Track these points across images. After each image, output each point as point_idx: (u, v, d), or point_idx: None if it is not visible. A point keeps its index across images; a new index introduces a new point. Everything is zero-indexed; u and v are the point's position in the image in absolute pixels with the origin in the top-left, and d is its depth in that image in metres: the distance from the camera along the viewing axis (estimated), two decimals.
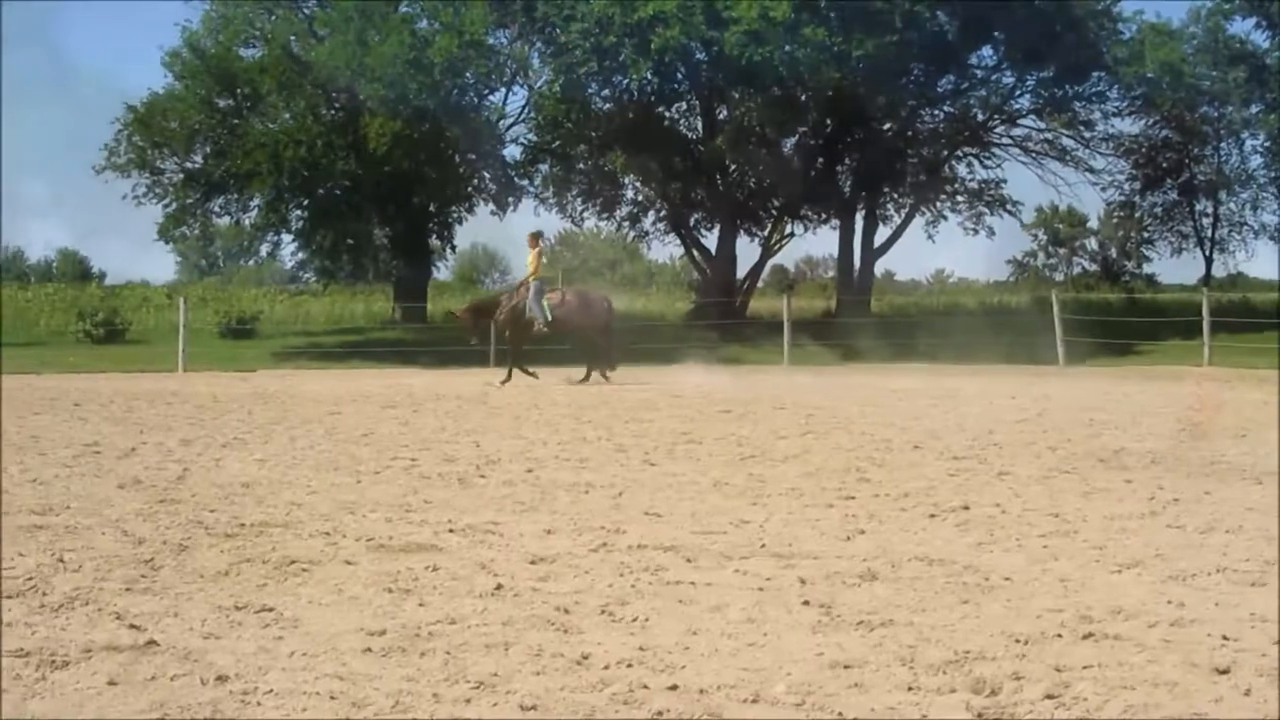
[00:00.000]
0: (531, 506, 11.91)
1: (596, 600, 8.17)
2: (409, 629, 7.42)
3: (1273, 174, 55.05)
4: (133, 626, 7.42)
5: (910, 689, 6.44)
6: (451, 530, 10.54)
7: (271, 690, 6.27)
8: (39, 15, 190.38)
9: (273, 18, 49.72)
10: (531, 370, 30.83)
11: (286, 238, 53.72)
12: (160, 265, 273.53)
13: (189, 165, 48.96)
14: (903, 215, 55.35)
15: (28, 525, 10.65)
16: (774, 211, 54.85)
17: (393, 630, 7.38)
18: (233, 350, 44.58)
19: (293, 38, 48.36)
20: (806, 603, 8.13)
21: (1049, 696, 6.31)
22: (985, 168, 55.28)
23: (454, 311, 35.65)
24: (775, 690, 6.37)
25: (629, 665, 6.76)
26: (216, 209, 51.34)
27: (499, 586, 8.49)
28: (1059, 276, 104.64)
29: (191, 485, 13.17)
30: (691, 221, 55.00)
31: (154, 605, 7.96)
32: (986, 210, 55.53)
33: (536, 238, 32.25)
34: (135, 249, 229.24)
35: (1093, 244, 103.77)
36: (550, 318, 30.80)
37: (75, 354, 42.75)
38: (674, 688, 6.38)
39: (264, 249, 55.84)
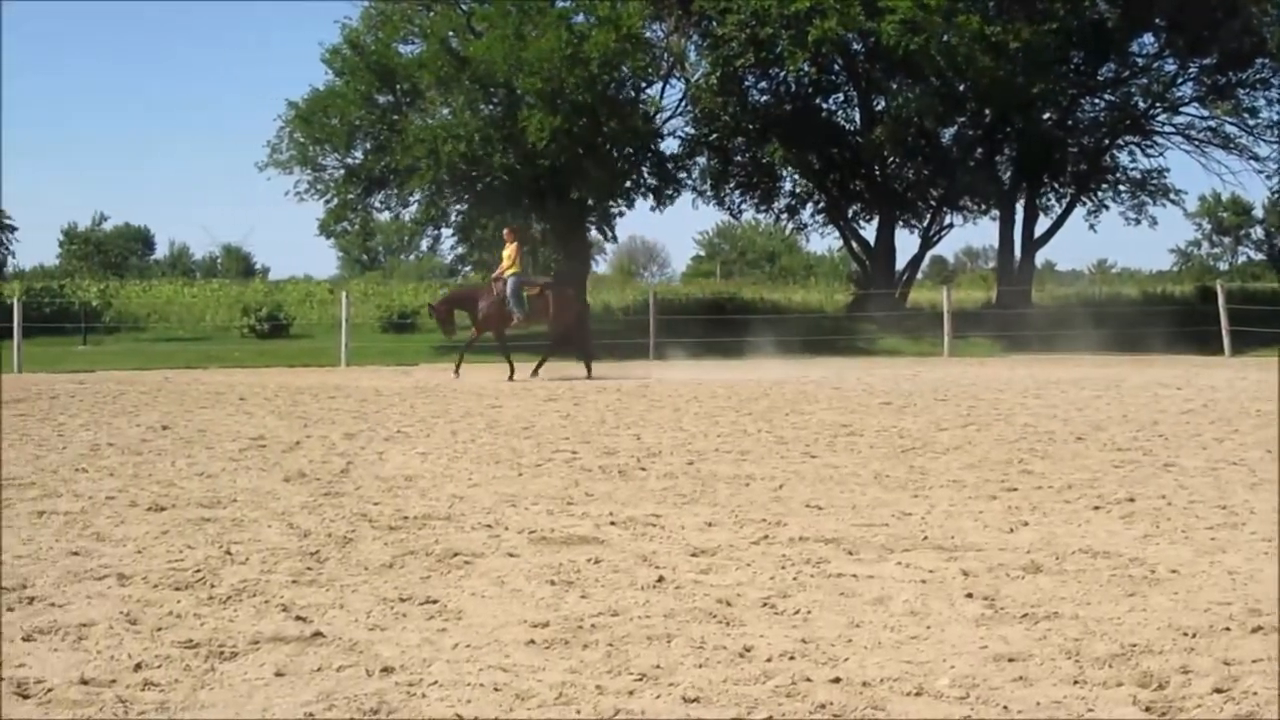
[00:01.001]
0: (692, 499, 11.91)
1: (758, 593, 8.15)
2: (571, 621, 7.44)
3: None
4: (299, 618, 7.50)
5: (1076, 682, 6.37)
6: (613, 523, 10.57)
7: (436, 682, 6.31)
8: (208, 13, 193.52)
9: (431, 13, 49.97)
10: (513, 367, 30.50)
11: (446, 232, 54.17)
12: (322, 260, 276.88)
13: (349, 161, 49.40)
14: (1063, 205, 54.56)
15: (195, 518, 10.82)
16: (933, 202, 54.36)
17: (555, 622, 7.41)
18: (394, 344, 45.00)
19: (451, 33, 48.57)
20: (970, 595, 8.06)
21: (1217, 690, 6.21)
22: (1147, 156, 54.35)
23: (431, 304, 34.99)
24: (939, 684, 6.32)
25: (791, 658, 6.74)
26: (377, 204, 51.76)
27: (661, 579, 8.49)
28: (1223, 265, 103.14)
29: (355, 478, 13.31)
30: (850, 213, 54.59)
31: (320, 597, 8.05)
32: (1149, 199, 54.51)
33: (515, 232, 32.20)
34: (298, 245, 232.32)
35: (1258, 232, 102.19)
36: (527, 311, 30.73)
37: (240, 349, 43.35)
38: (837, 680, 6.35)
39: (424, 243, 56.39)
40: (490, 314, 30.64)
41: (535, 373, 30.58)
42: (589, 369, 30.84)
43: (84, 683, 6.29)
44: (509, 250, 31.28)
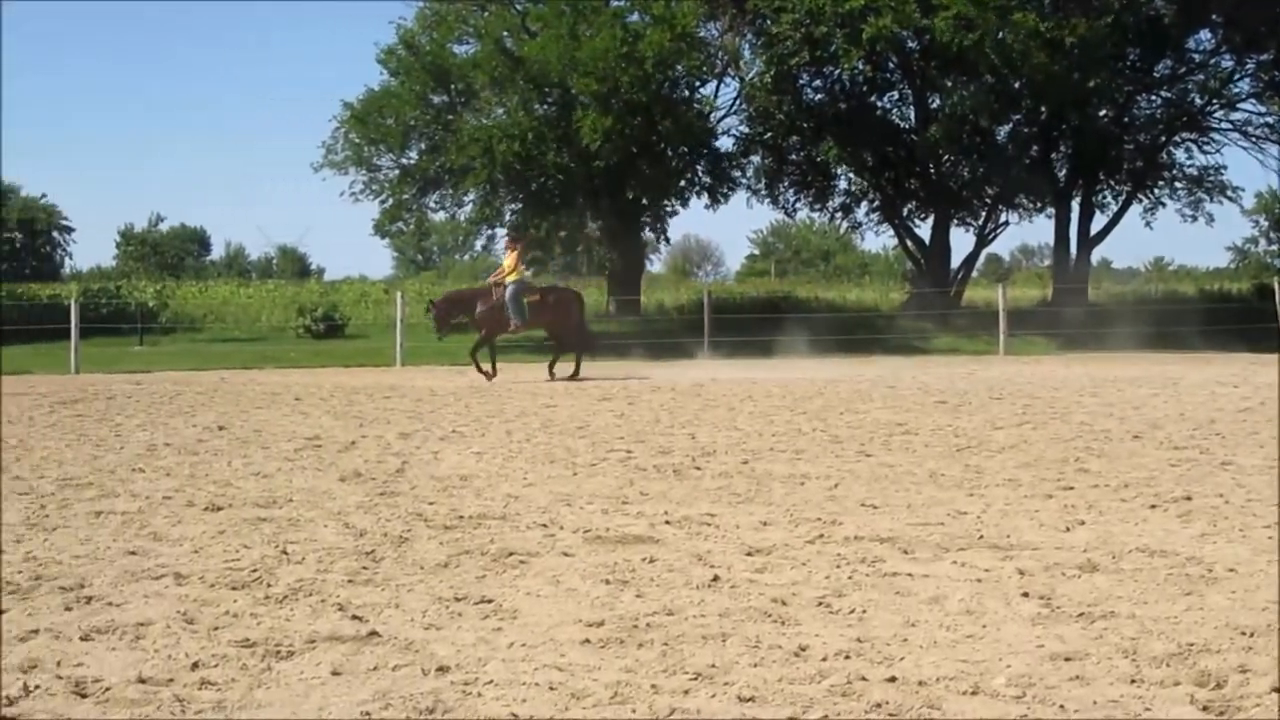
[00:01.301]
0: (747, 498, 11.89)
1: (813, 592, 8.14)
2: (627, 620, 7.44)
3: None
4: (355, 617, 7.53)
5: (1133, 682, 6.34)
6: (668, 522, 10.56)
7: (491, 681, 6.32)
8: (264, 13, 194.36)
9: (486, 14, 50.07)
10: (487, 370, 29.98)
11: (500, 231, 54.23)
12: (378, 261, 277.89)
13: (404, 161, 49.57)
14: (1119, 202, 54.19)
15: (252, 518, 10.87)
16: (988, 200, 54.11)
17: (611, 621, 7.41)
18: (449, 344, 45.00)
19: (505, 33, 48.66)
20: (1026, 594, 8.03)
21: (1276, 690, 6.17)
22: (1204, 153, 53.94)
23: (431, 301, 34.11)
24: (995, 683, 6.30)
25: (847, 657, 6.72)
26: (431, 204, 51.93)
27: (716, 578, 8.49)
28: None
29: (411, 478, 13.35)
30: (905, 211, 54.38)
31: (376, 597, 8.07)
32: (1205, 196, 54.11)
33: (516, 239, 32.08)
34: (353, 245, 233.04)
35: None
36: (526, 319, 30.18)
37: (295, 349, 43.52)
38: (892, 679, 6.34)
39: (478, 243, 56.50)
40: (487, 317, 30.17)
41: (552, 373, 30.43)
42: (578, 367, 30.57)
43: (141, 682, 6.33)
44: (510, 256, 30.79)
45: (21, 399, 24.76)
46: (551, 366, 30.60)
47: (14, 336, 45.17)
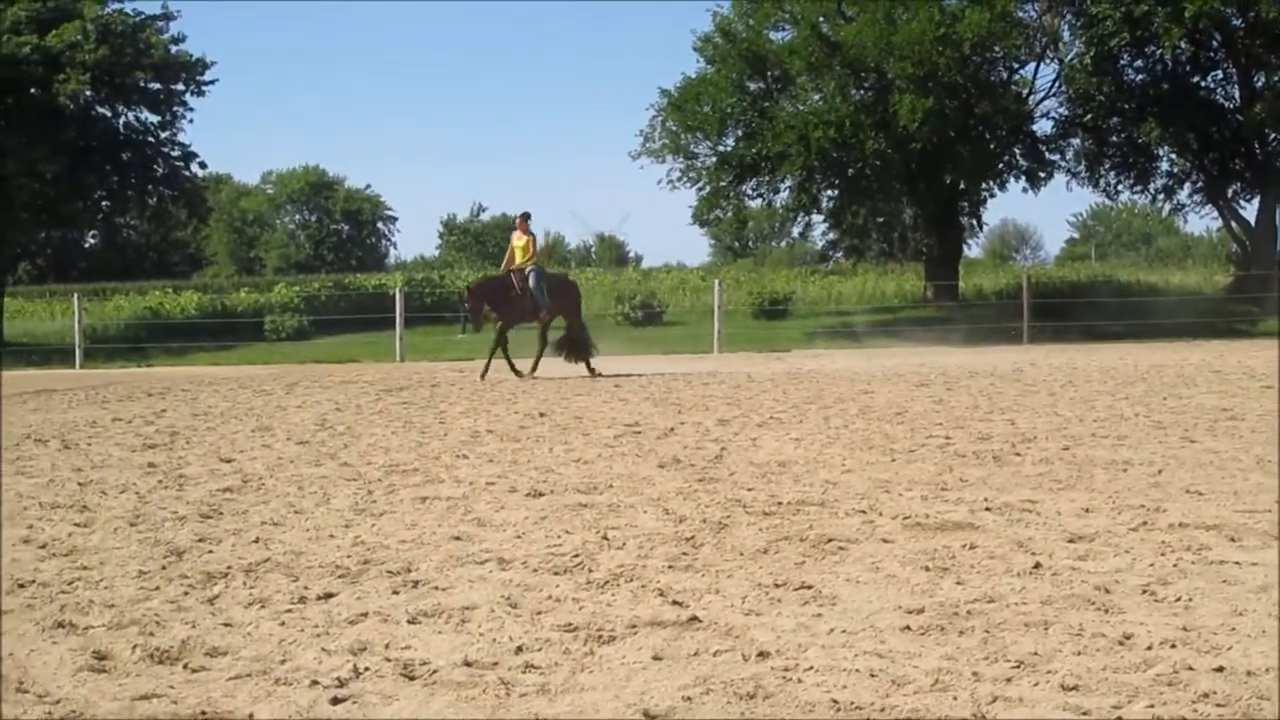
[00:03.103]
0: (1069, 484, 11.68)
1: (1137, 579, 7.96)
2: (947, 607, 7.36)
3: None
4: (675, 603, 7.56)
5: None
6: (988, 508, 10.42)
7: (812, 667, 6.29)
8: (577, 3, 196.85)
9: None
10: (518, 365, 27.86)
11: (817, 218, 54.24)
12: (695, 248, 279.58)
13: (721, 148, 49.82)
14: None
15: (573, 504, 10.99)
16: None
17: (931, 608, 7.33)
18: (766, 330, 45.21)
19: (821, 19, 48.62)
20: None
21: None
22: None
23: (466, 290, 31.04)
24: None
25: (1172, 646, 6.55)
26: (749, 191, 52.10)
27: (1037, 565, 8.35)
28: None
29: (729, 464, 13.37)
30: (1229, 192, 52.92)
31: (695, 582, 8.10)
32: None
33: (527, 219, 29.28)
34: (671, 232, 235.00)
35: None
36: (549, 303, 28.26)
37: (615, 336, 44.07)
38: (1220, 669, 6.16)
39: (795, 230, 56.56)
40: (517, 307, 28.06)
41: (561, 362, 28.45)
42: (589, 366, 28.48)
43: (467, 664, 6.43)
44: (524, 240, 28.72)
45: (349, 386, 25.47)
46: (536, 363, 28.20)
47: (341, 325, 46.55)
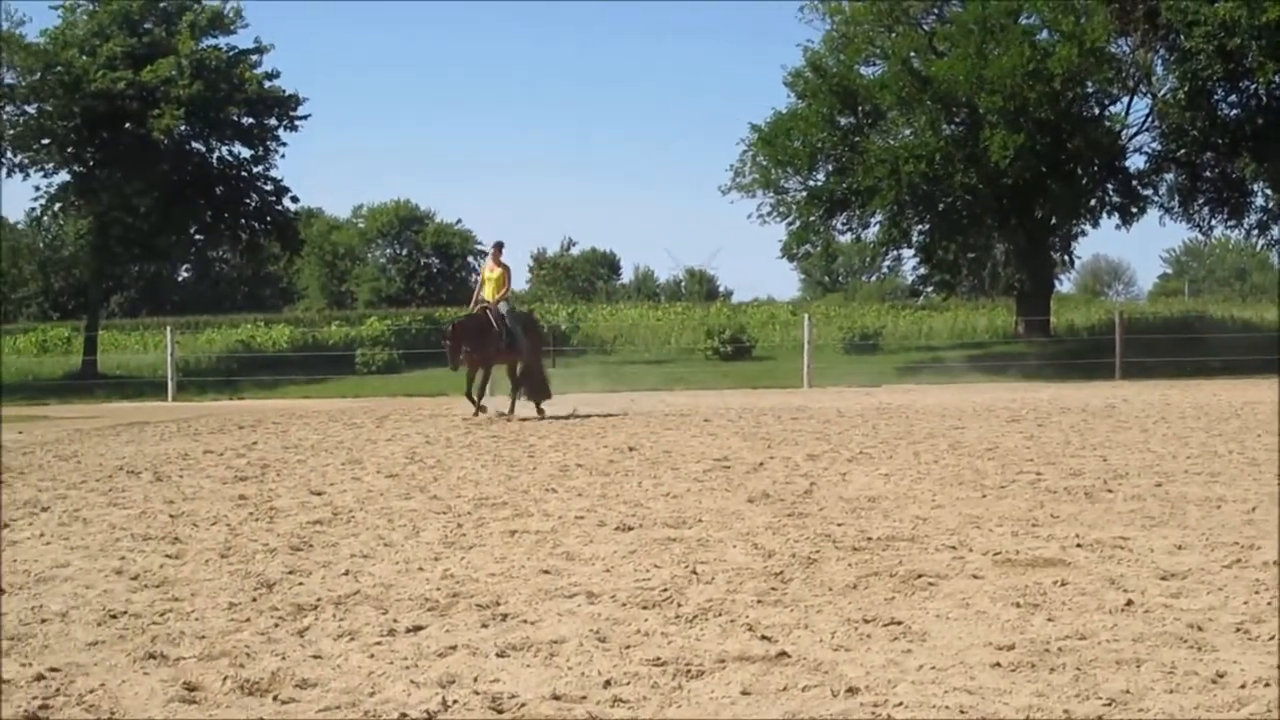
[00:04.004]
0: (1161, 521, 11.58)
1: (1230, 618, 7.88)
2: (1038, 644, 7.30)
3: None
4: (764, 638, 7.54)
5: None
6: (1079, 545, 10.34)
7: (901, 703, 6.26)
8: (669, 41, 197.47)
9: (893, 34, 50.10)
10: (487, 405, 26.26)
11: (907, 253, 54.09)
12: (784, 283, 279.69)
13: (811, 183, 49.80)
14: None
15: (662, 538, 10.98)
16: None
17: (1021, 645, 7.28)
18: (856, 365, 45.04)
19: (913, 53, 48.61)
20: None
21: None
22: None
23: (451, 326, 27.75)
24: None
25: (1266, 685, 6.49)
26: (839, 225, 52.07)
27: (1129, 602, 8.28)
28: None
29: (818, 499, 13.34)
30: None
31: (784, 617, 8.07)
32: None
33: (500, 249, 27.54)
34: (761, 267, 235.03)
35: None
36: (524, 342, 26.55)
37: (704, 370, 44.07)
38: None
39: (885, 264, 56.45)
40: (494, 347, 26.02)
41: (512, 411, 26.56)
42: (540, 407, 26.78)
43: (555, 698, 6.43)
44: (498, 272, 26.87)
45: (439, 420, 25.56)
46: (513, 404, 26.84)
47: (432, 359, 46.66)
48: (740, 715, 6.17)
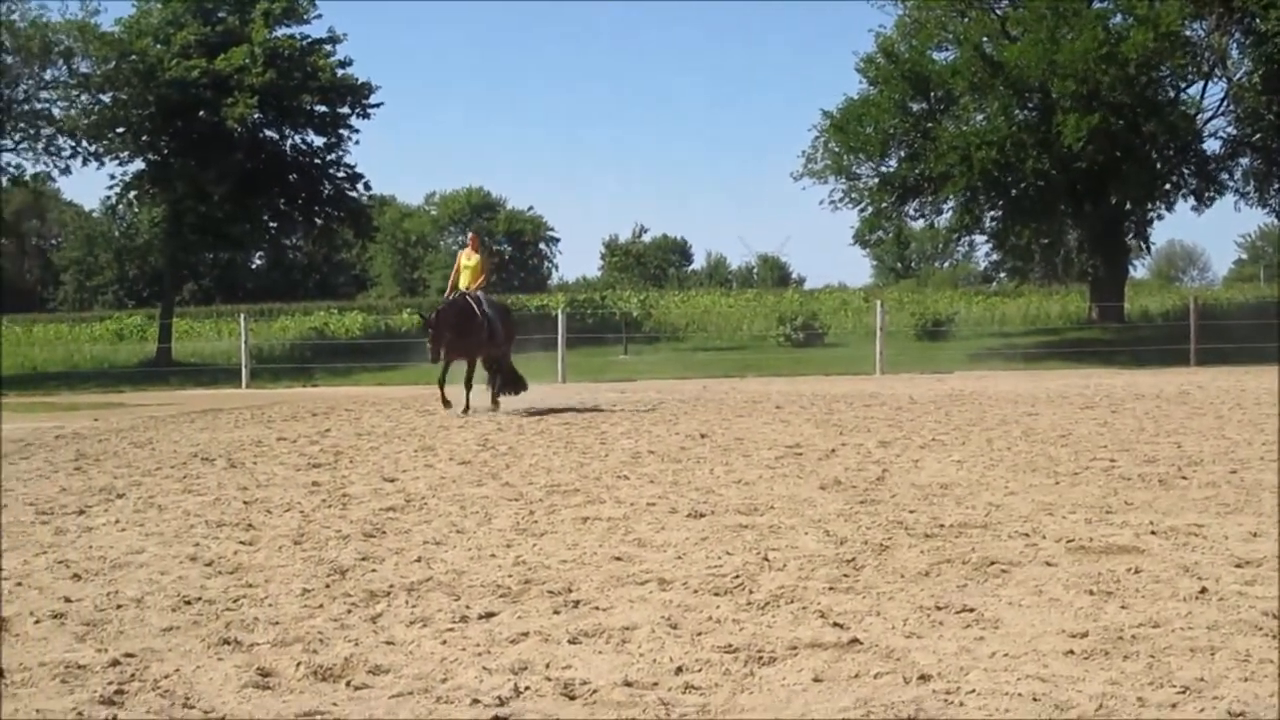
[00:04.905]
0: (1236, 508, 11.49)
1: None
2: (1111, 631, 7.26)
3: None
4: (836, 625, 7.52)
5: None
6: (1153, 532, 10.27)
7: (974, 690, 6.23)
8: (742, 24, 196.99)
9: (965, 19, 49.87)
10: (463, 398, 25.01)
11: (980, 239, 53.92)
12: (857, 269, 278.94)
13: (883, 169, 49.69)
14: None
15: (734, 525, 10.97)
16: None
17: (1095, 632, 7.24)
18: (928, 352, 44.93)
19: (985, 39, 48.39)
20: None
21: None
22: None
23: (434, 314, 25.13)
24: None
25: None
26: (911, 212, 51.97)
27: (1204, 590, 8.21)
28: None
29: (891, 486, 13.29)
30: None
31: (856, 604, 8.05)
32: None
33: (478, 237, 27.07)
34: (833, 253, 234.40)
35: None
36: (503, 333, 25.79)
37: (776, 357, 44.00)
38: None
39: (958, 250, 56.24)
40: (478, 337, 24.94)
41: (508, 394, 26.12)
42: (495, 399, 25.89)
43: (627, 685, 6.42)
44: (475, 260, 25.83)
45: (513, 404, 25.58)
46: (504, 389, 26.13)
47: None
48: (811, 702, 6.16)
